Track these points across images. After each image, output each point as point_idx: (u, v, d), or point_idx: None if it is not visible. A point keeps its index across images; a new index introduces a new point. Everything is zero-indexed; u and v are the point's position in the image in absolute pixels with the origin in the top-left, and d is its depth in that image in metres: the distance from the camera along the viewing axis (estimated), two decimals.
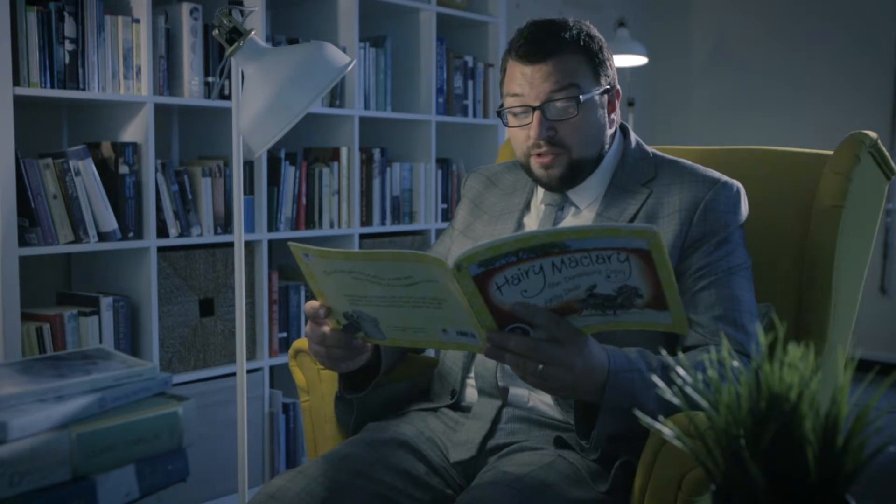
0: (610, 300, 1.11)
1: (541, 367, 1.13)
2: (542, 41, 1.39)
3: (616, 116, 1.48)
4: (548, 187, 1.47)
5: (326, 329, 1.28)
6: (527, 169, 1.47)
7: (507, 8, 3.61)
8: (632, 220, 1.41)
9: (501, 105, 1.45)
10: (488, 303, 1.11)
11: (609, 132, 1.47)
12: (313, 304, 1.29)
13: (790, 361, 0.76)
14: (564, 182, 1.44)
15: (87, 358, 1.13)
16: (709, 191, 1.40)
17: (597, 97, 1.42)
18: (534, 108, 1.39)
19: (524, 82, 1.40)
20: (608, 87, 1.44)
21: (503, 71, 1.46)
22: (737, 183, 1.43)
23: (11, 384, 1.01)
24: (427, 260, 1.10)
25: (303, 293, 2.82)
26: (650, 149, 1.52)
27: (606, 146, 1.47)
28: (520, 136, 1.44)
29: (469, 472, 1.38)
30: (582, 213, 1.47)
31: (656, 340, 1.33)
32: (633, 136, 1.52)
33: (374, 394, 1.49)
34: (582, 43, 1.40)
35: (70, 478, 0.95)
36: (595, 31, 1.45)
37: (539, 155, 1.42)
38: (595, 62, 1.42)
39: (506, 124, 1.46)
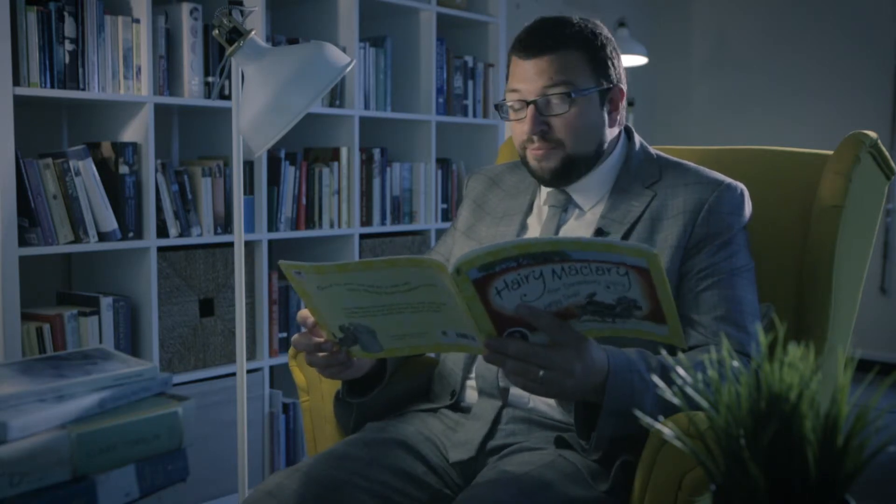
0: (609, 309, 1.10)
1: (541, 372, 1.14)
2: (541, 37, 1.41)
3: (619, 116, 1.48)
4: (542, 181, 1.48)
5: (320, 340, 1.29)
6: (524, 161, 1.48)
7: (507, 8, 3.60)
8: (636, 222, 1.41)
9: (503, 99, 1.46)
10: (487, 307, 1.10)
11: (609, 131, 1.46)
12: (306, 313, 1.29)
13: (790, 361, 0.76)
14: (557, 176, 1.45)
15: (87, 358, 1.13)
16: (713, 193, 1.40)
17: (593, 95, 1.42)
18: (528, 103, 1.41)
19: (522, 77, 1.42)
20: (609, 86, 1.44)
21: (508, 66, 1.47)
22: (741, 185, 1.43)
23: (11, 384, 1.01)
24: (423, 263, 1.09)
25: None
26: (654, 150, 1.52)
27: (605, 144, 1.47)
28: (516, 129, 1.46)
29: (468, 473, 1.38)
30: (585, 214, 1.47)
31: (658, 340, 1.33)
32: (638, 139, 1.52)
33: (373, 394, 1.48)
34: (582, 40, 1.41)
35: (70, 478, 0.95)
36: (601, 30, 1.46)
37: (534, 148, 1.43)
38: (595, 60, 1.43)
39: (504, 118, 1.47)
